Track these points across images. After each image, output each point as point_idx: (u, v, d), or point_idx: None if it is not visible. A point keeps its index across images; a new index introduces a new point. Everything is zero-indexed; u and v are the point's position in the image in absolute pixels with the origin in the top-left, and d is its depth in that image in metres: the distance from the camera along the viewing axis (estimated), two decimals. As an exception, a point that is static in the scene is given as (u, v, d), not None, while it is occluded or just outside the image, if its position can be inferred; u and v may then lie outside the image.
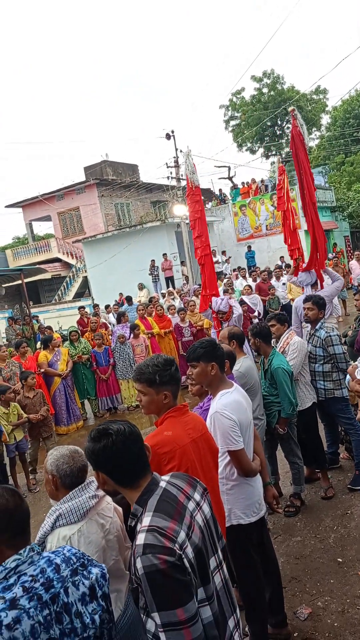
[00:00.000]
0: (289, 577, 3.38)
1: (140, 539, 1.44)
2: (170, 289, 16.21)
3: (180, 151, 20.14)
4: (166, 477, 1.68)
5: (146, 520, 1.48)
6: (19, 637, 1.30)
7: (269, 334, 4.17)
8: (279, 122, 30.20)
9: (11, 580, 1.37)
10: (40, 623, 1.34)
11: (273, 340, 4.57)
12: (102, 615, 1.49)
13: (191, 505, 1.61)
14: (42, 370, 8.00)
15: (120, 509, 2.22)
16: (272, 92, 28.99)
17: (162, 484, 1.62)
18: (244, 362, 3.65)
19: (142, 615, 1.55)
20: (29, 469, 6.36)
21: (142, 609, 1.54)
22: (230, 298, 7.24)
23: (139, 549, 1.41)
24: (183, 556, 1.43)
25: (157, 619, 1.39)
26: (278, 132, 30.46)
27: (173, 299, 13.54)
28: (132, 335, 9.00)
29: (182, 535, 1.48)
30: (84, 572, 1.50)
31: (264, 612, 2.79)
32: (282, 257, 17.70)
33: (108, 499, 2.17)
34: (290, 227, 8.03)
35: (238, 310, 7.13)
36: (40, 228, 33.10)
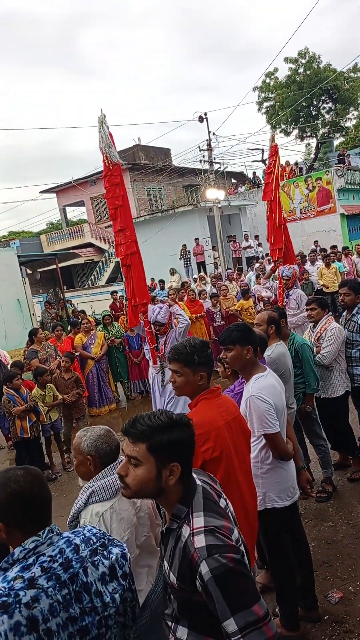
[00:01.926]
0: (320, 562, 3.38)
1: (200, 541, 1.36)
2: (202, 273, 16.16)
3: (213, 134, 19.86)
4: (194, 474, 1.59)
5: (199, 522, 1.41)
6: (38, 615, 1.30)
7: (286, 315, 4.37)
8: (315, 103, 29.35)
9: (30, 561, 1.38)
10: (59, 602, 1.34)
11: (310, 325, 4.55)
12: (124, 595, 1.48)
13: (223, 503, 1.60)
14: (77, 352, 8.17)
15: None
16: (307, 72, 28.14)
17: (198, 481, 1.56)
18: (277, 349, 3.62)
19: (170, 623, 1.52)
20: (64, 448, 6.54)
21: (170, 617, 1.51)
22: (170, 306, 5.76)
23: (202, 552, 1.33)
24: (243, 553, 1.41)
25: (233, 625, 1.27)
26: (314, 113, 29.63)
27: (205, 283, 13.50)
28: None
29: (235, 532, 1.45)
30: (104, 552, 1.49)
31: (294, 594, 2.81)
32: (316, 242, 17.34)
33: None
34: (275, 222, 7.07)
35: (185, 320, 5.61)
36: (74, 213, 33.44)
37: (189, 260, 18.94)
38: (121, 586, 1.47)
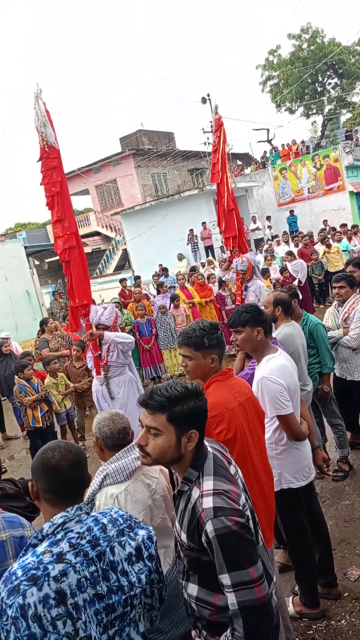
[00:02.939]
0: (339, 540, 3.38)
1: (208, 502, 1.44)
2: (210, 257, 16.05)
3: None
4: (206, 442, 1.66)
5: (208, 485, 1.48)
6: (66, 590, 1.33)
7: (298, 295, 4.24)
8: (320, 79, 28.74)
9: (58, 536, 1.41)
10: (87, 578, 1.37)
11: (335, 303, 4.42)
12: (150, 576, 1.51)
13: (233, 469, 1.64)
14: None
15: (166, 470, 2.27)
16: (311, 47, 27.52)
17: (210, 449, 1.63)
18: (284, 330, 3.55)
19: (181, 581, 1.58)
20: (78, 436, 6.59)
21: (182, 573, 1.57)
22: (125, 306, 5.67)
23: (209, 512, 1.42)
24: (249, 517, 1.47)
25: (227, 579, 1.39)
26: (319, 89, 29.03)
27: (213, 268, 13.41)
28: (172, 306, 9.02)
29: (243, 497, 1.51)
30: (131, 534, 1.52)
31: (313, 573, 2.81)
32: (325, 221, 17.12)
33: None
34: (224, 206, 6.40)
35: (129, 340, 4.93)
36: (79, 202, 33.33)
37: (197, 245, 18.81)
38: (147, 567, 1.50)
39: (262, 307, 3.53)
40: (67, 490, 1.47)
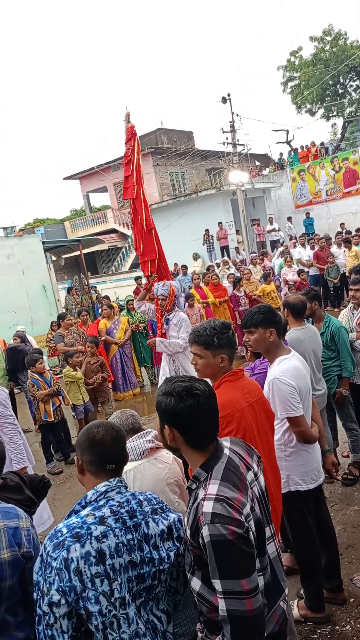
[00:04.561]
0: (346, 545, 3.36)
1: (208, 506, 1.43)
2: (226, 258, 16.02)
3: (237, 115, 19.50)
4: (227, 444, 1.65)
5: (212, 489, 1.47)
6: (106, 550, 1.44)
7: (319, 297, 4.14)
8: (341, 81, 28.45)
9: (100, 503, 1.54)
10: (124, 544, 1.47)
11: (351, 306, 4.38)
12: (178, 557, 1.60)
13: (250, 476, 1.60)
14: (102, 337, 8.23)
15: (180, 460, 2.32)
16: (334, 49, 27.24)
17: (226, 451, 1.60)
18: (292, 333, 3.54)
19: (187, 573, 1.59)
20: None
21: (188, 566, 1.57)
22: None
23: (207, 517, 1.41)
24: (249, 528, 1.44)
25: (218, 585, 1.39)
26: (340, 91, 28.73)
27: (228, 268, 13.39)
28: (186, 305, 9.02)
29: (247, 507, 1.48)
30: (163, 514, 1.63)
31: (319, 577, 2.80)
32: (342, 224, 16.96)
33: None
34: (141, 225, 5.56)
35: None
36: (97, 199, 33.49)
37: (212, 245, 18.78)
38: (176, 547, 1.61)
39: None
40: (110, 462, 1.61)
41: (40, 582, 1.44)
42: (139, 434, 2.24)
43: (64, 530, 1.46)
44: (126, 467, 2.08)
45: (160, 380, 5.50)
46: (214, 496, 1.44)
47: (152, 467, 2.17)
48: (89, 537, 1.43)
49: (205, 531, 1.40)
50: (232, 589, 1.37)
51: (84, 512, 1.51)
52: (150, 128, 28.36)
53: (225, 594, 1.38)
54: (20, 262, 12.51)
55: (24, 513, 1.85)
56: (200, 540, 1.43)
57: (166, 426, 1.59)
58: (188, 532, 1.53)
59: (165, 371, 5.41)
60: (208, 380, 2.08)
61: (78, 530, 1.45)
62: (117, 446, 1.63)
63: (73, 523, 1.48)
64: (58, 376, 7.64)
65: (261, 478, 1.68)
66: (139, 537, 1.51)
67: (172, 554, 1.58)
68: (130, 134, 5.67)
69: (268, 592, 1.55)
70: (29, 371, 6.09)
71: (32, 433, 7.59)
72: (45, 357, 7.56)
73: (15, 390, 8.35)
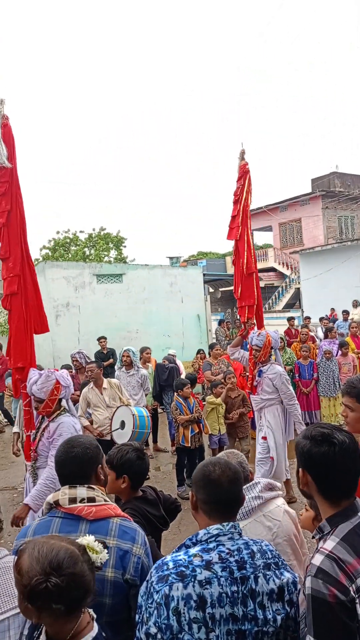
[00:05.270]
0: None
1: (317, 560, 1.38)
2: (389, 309, 14.93)
3: None
4: None
5: (329, 544, 1.41)
6: (207, 598, 1.38)
7: None
8: None
9: (211, 546, 1.48)
10: (227, 595, 1.40)
11: None
12: (287, 622, 1.47)
13: None
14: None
15: (293, 512, 2.19)
16: None
17: None
18: None
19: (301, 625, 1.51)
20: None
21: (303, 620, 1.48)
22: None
23: (312, 570, 1.37)
24: (357, 601, 1.31)
25: None
26: None
27: (392, 320, 12.44)
28: (340, 353, 8.60)
29: None
30: (277, 572, 1.50)
31: None
32: None
33: (279, 501, 2.16)
34: (242, 269, 5.34)
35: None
36: (261, 238, 34.10)
37: (376, 294, 17.68)
38: (285, 611, 1.47)
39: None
40: (224, 504, 1.56)
41: (142, 607, 1.44)
42: (244, 487, 2.07)
43: (170, 565, 1.43)
44: None
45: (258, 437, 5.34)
46: (327, 552, 1.39)
47: (259, 527, 2.05)
48: (192, 579, 1.39)
49: (308, 582, 1.36)
50: None
51: (192, 551, 1.48)
52: (324, 171, 28.16)
53: None
54: (181, 290, 13.25)
55: (143, 539, 1.84)
56: (303, 590, 1.40)
57: (301, 469, 1.57)
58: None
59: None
60: None
61: (183, 569, 1.41)
62: (233, 487, 1.58)
63: (180, 559, 1.44)
64: (202, 403, 7.84)
65: None
66: (244, 591, 1.42)
67: (279, 617, 1.44)
68: (243, 172, 5.48)
69: None
70: (175, 394, 6.37)
71: (168, 454, 7.88)
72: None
73: (159, 410, 8.77)
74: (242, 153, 5.56)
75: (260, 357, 5.07)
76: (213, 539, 1.49)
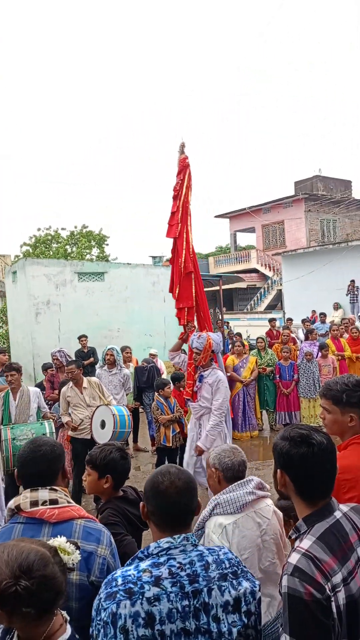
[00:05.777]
0: None
1: (293, 559, 1.39)
2: (369, 312, 15.16)
3: None
4: (345, 508, 1.56)
5: (306, 543, 1.42)
6: (156, 615, 1.33)
7: None
8: None
9: (161, 560, 1.42)
10: (178, 610, 1.36)
11: None
12: (246, 631, 1.43)
13: (358, 545, 1.49)
14: (228, 373, 8.28)
15: (280, 513, 2.27)
16: None
17: (338, 514, 1.52)
18: None
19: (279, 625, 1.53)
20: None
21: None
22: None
23: (289, 568, 1.38)
24: (332, 599, 1.33)
25: None
26: None
27: (371, 323, 12.63)
28: (320, 354, 8.69)
29: (339, 577, 1.37)
30: (234, 582, 1.45)
31: None
32: None
33: (268, 501, 2.25)
34: (180, 268, 5.05)
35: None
36: (244, 239, 34.31)
37: (357, 297, 17.94)
38: (242, 622, 1.42)
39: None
40: (173, 516, 1.50)
41: (94, 622, 1.40)
42: (239, 482, 2.17)
43: (119, 581, 1.38)
44: (225, 521, 2.06)
45: (187, 453, 5.09)
46: (304, 551, 1.40)
47: (251, 522, 2.10)
48: (140, 596, 1.34)
49: (284, 581, 1.36)
50: None
51: (142, 565, 1.42)
52: (307, 174, 28.47)
53: None
54: (163, 289, 13.23)
55: (108, 539, 1.80)
56: (280, 589, 1.41)
57: (279, 470, 1.57)
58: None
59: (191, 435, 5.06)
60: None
61: (132, 586, 1.36)
62: (184, 498, 1.51)
63: (129, 575, 1.39)
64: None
65: None
66: (196, 605, 1.37)
67: (235, 629, 1.39)
68: (182, 166, 5.14)
69: None
70: (156, 393, 6.34)
71: (148, 454, 7.86)
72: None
73: (139, 410, 8.74)
74: (182, 146, 5.26)
75: (200, 361, 4.75)
76: (164, 552, 1.44)
